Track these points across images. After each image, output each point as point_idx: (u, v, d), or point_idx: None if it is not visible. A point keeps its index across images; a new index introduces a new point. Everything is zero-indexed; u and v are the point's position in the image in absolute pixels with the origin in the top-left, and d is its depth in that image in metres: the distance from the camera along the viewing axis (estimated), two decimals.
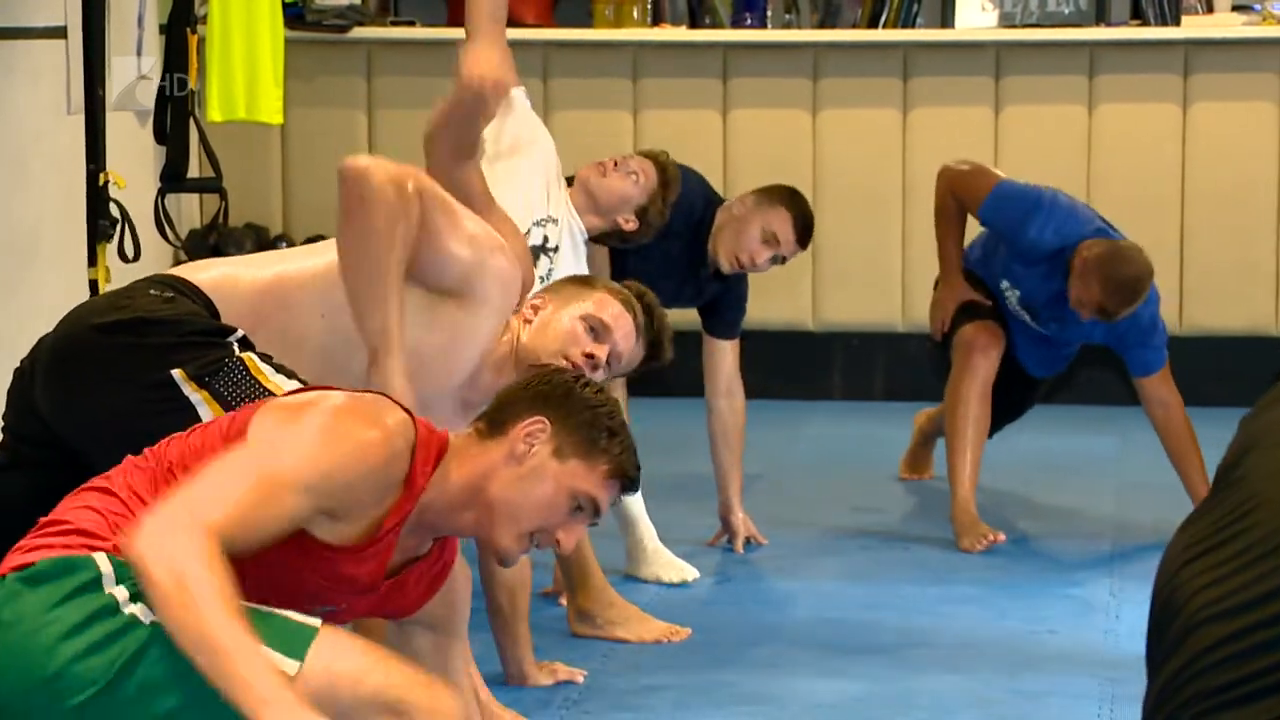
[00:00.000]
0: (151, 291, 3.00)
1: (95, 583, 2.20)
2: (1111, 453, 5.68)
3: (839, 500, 5.29)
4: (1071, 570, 4.73)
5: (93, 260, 4.75)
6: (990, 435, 5.06)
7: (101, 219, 4.93)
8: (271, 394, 2.79)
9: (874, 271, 6.20)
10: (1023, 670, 3.88)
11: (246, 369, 2.89)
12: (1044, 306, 4.89)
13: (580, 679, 3.74)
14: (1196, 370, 5.39)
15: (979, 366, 4.85)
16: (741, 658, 4.10)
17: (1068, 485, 5.37)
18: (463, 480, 2.45)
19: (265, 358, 2.94)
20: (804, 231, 4.86)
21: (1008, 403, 5.07)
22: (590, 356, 3.37)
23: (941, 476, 5.24)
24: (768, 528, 5.16)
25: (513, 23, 6.77)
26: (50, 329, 3.29)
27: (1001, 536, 4.78)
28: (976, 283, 4.98)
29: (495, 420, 2.50)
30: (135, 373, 2.91)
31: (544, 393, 2.52)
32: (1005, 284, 4.94)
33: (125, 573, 2.20)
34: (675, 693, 3.80)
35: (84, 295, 4.71)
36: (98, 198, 5.01)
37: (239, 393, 2.85)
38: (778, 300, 6.21)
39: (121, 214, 4.79)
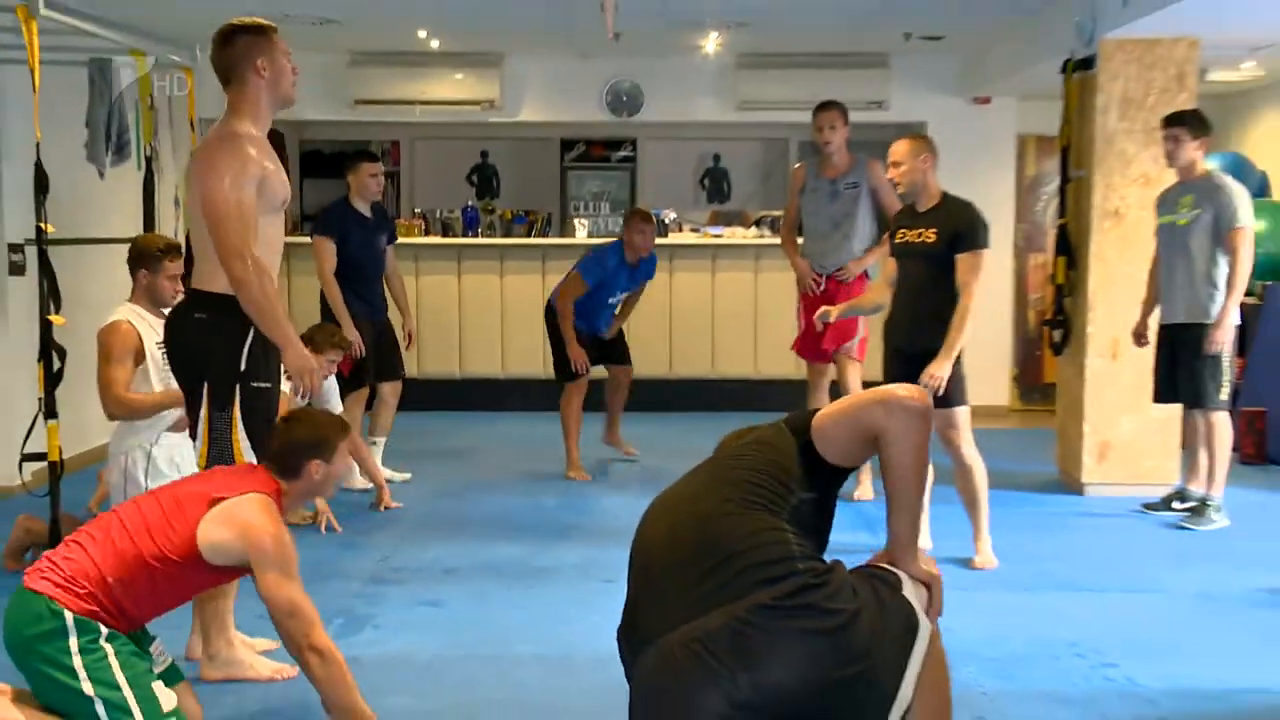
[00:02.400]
0: (197, 316, 3.24)
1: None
2: None
3: (521, 459, 6.68)
4: (622, 485, 5.87)
5: None
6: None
7: None
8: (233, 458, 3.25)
9: (527, 347, 7.97)
10: (614, 536, 4.61)
11: (230, 431, 3.20)
12: (623, 289, 6.52)
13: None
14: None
15: (581, 390, 6.30)
16: (438, 538, 4.58)
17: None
18: (294, 500, 3.07)
19: (248, 409, 3.22)
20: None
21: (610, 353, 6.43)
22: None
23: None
24: (479, 472, 6.03)
25: None
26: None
27: (588, 476, 6.15)
28: (580, 334, 6.15)
29: (289, 468, 2.98)
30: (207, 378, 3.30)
31: (313, 443, 2.96)
32: (612, 299, 6.45)
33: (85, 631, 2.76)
34: (377, 562, 4.38)
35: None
36: None
37: (223, 448, 3.23)
38: (478, 358, 8.29)
39: None
